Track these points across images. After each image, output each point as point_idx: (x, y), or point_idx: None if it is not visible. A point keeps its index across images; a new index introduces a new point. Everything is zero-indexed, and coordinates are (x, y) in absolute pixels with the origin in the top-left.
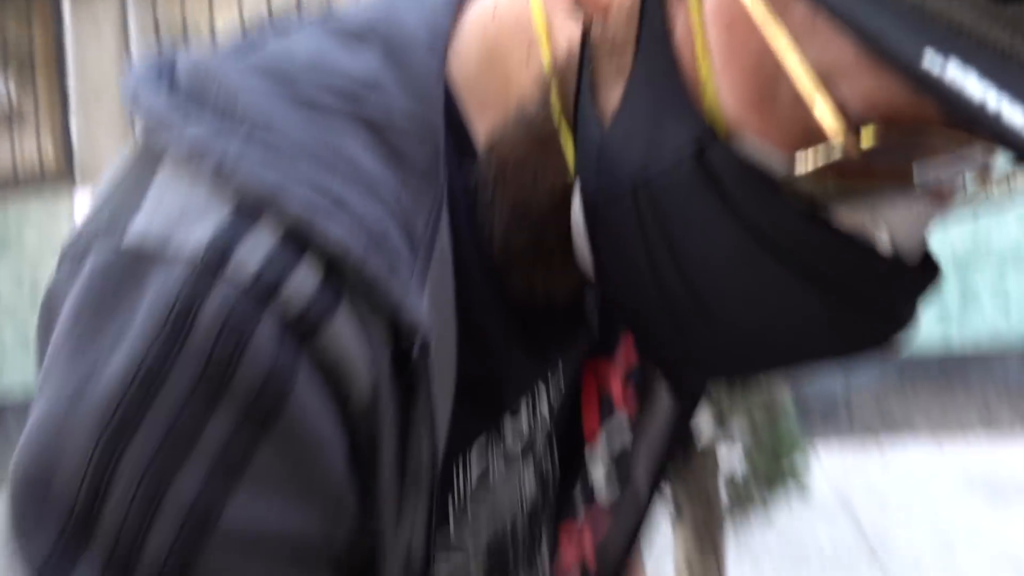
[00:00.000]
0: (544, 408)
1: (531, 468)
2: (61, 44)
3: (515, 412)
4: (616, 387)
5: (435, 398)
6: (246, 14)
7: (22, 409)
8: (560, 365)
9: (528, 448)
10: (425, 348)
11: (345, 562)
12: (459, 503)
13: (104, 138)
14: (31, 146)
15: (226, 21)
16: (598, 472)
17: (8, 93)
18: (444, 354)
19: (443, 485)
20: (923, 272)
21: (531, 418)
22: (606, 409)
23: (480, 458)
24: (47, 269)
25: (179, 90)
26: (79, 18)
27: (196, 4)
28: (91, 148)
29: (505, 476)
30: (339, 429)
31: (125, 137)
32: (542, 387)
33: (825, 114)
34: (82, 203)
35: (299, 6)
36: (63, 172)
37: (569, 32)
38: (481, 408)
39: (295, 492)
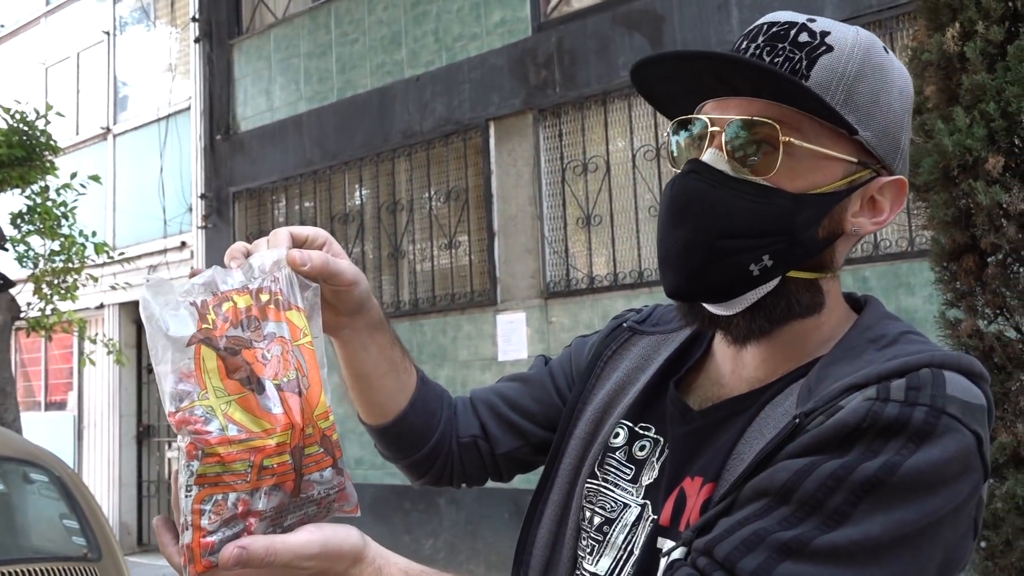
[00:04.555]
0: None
1: (635, 490)
2: (488, 180)
3: (643, 436)
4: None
5: (622, 360)
6: (636, 147)
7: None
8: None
9: (637, 476)
10: (630, 331)
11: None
12: (599, 460)
13: (517, 264)
14: (464, 270)
15: (618, 154)
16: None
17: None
18: (661, 352)
19: (592, 433)
20: None
21: (652, 456)
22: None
23: (622, 440)
24: (474, 378)
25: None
26: (501, 157)
27: (594, 143)
28: (509, 273)
29: (616, 472)
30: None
31: (534, 265)
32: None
33: None
34: (502, 323)
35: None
36: (488, 294)
37: None
38: (647, 407)
39: None
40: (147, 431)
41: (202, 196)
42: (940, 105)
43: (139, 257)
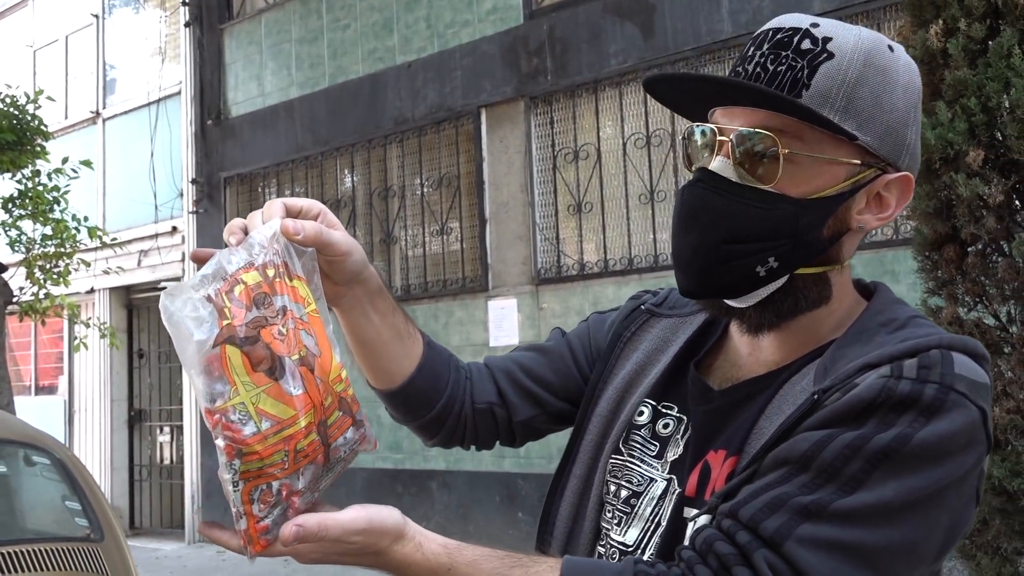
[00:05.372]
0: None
1: (661, 465)
2: (480, 167)
3: (666, 414)
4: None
5: (642, 341)
6: (626, 135)
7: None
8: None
9: (662, 452)
10: (648, 313)
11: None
12: (624, 436)
13: (508, 251)
14: (455, 256)
15: (608, 142)
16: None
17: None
18: (679, 335)
19: (614, 411)
20: None
21: (676, 434)
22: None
23: (646, 417)
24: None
25: None
26: (493, 144)
27: (585, 130)
28: (500, 260)
29: (641, 448)
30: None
31: (525, 251)
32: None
33: None
34: (494, 309)
35: (672, 126)
36: (479, 280)
37: None
38: (670, 387)
39: None
40: (138, 415)
41: (193, 181)
42: (923, 100)
43: (130, 242)
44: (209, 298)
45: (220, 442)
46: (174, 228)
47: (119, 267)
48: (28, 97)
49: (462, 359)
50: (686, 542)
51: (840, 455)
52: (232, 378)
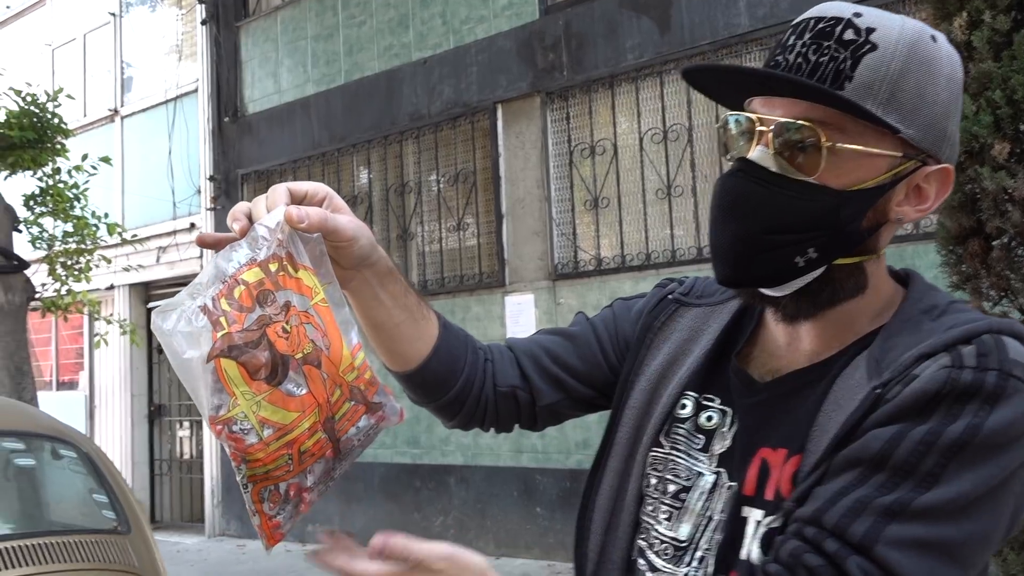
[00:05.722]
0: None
1: (707, 459)
2: (496, 163)
3: (709, 405)
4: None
5: (672, 331)
6: (643, 130)
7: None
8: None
9: (708, 445)
10: (676, 303)
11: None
12: (666, 429)
13: (525, 246)
14: (472, 252)
15: (625, 137)
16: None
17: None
18: (710, 324)
19: (648, 403)
20: None
21: (722, 427)
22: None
23: (688, 410)
24: None
25: None
26: (509, 140)
27: (601, 126)
28: (517, 255)
29: (686, 441)
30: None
31: (542, 247)
32: (736, 417)
33: None
34: (511, 304)
35: (689, 121)
36: (496, 275)
37: None
38: (710, 378)
39: None
40: (158, 410)
41: (211, 178)
42: None
43: (149, 239)
44: (204, 308)
45: (227, 449)
46: (192, 225)
47: (139, 264)
48: (48, 95)
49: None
50: (753, 546)
51: (914, 451)
52: (231, 389)
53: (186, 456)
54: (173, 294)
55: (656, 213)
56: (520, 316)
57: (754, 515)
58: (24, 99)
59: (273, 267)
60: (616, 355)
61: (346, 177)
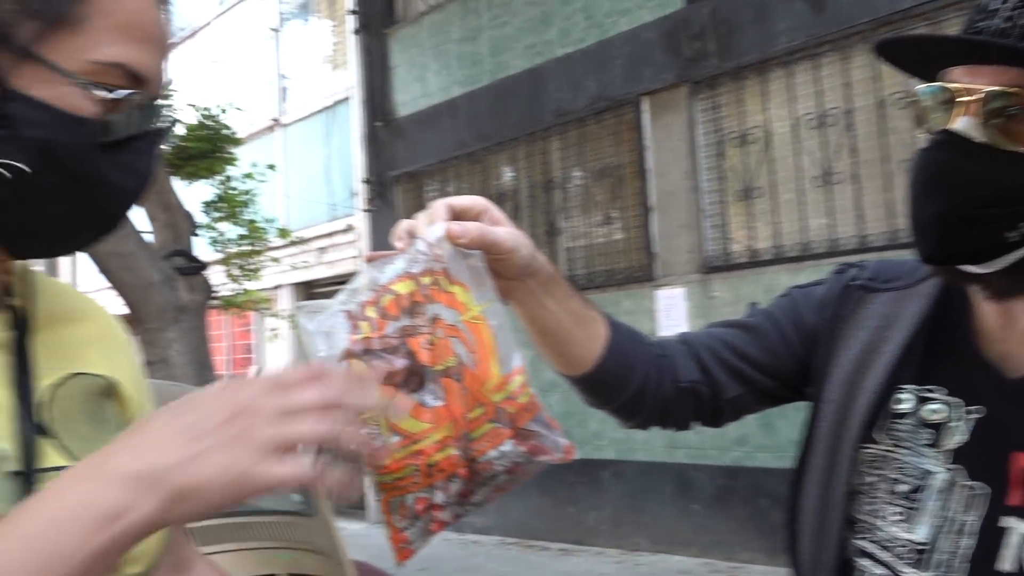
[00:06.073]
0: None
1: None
2: (642, 156)
3: (932, 398)
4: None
5: (863, 319)
6: (797, 116)
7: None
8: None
9: (937, 440)
10: (863, 289)
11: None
12: (883, 424)
13: (675, 239)
14: (619, 246)
15: (778, 124)
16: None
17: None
18: (905, 309)
19: (847, 396)
20: None
21: (955, 420)
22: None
23: (908, 404)
24: None
25: None
26: (656, 132)
27: (752, 113)
28: (666, 248)
29: (910, 438)
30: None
31: (692, 239)
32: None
33: None
34: (661, 299)
35: (848, 104)
36: (645, 269)
37: None
38: (925, 365)
39: None
40: None
41: (365, 181)
42: None
43: (309, 240)
44: (349, 312)
45: None
46: (349, 226)
47: (304, 262)
48: (221, 109)
49: None
50: (1015, 557)
51: None
52: None
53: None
54: (332, 292)
55: (813, 201)
56: (671, 310)
57: (1020, 527)
58: (200, 114)
59: (426, 280)
60: (801, 345)
61: (492, 175)
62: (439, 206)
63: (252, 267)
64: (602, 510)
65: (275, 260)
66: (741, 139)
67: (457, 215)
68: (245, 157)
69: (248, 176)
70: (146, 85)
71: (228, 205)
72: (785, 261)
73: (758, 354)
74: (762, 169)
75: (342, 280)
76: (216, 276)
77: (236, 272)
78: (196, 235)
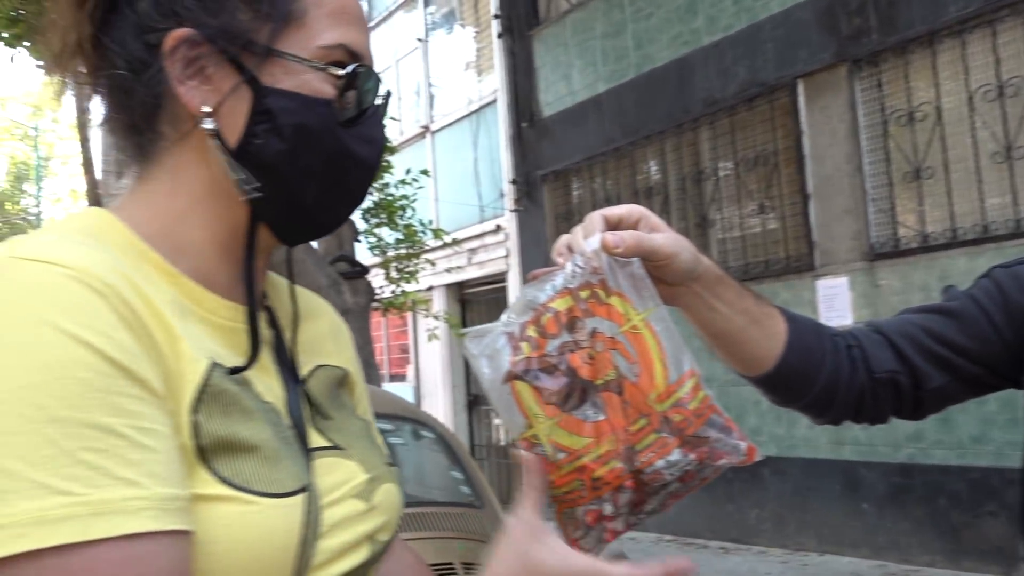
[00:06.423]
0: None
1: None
2: (799, 141)
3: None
4: None
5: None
6: (972, 89)
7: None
8: None
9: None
10: None
11: None
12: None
13: (836, 226)
14: (776, 235)
15: (950, 99)
16: None
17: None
18: None
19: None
20: None
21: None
22: None
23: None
24: None
25: None
26: (813, 116)
27: (920, 89)
28: (827, 236)
29: None
30: None
31: (856, 226)
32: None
33: None
34: (823, 289)
35: None
36: (804, 259)
37: None
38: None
39: None
40: (475, 400)
41: (512, 181)
42: None
43: (460, 241)
44: (511, 335)
45: None
46: (498, 227)
47: (457, 265)
48: None
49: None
50: None
51: None
52: (525, 411)
53: (502, 443)
54: (483, 292)
55: (993, 179)
56: (834, 301)
57: None
58: None
59: (584, 294)
60: (1012, 329)
61: (640, 170)
62: (594, 217)
63: (410, 270)
64: (763, 508)
65: (431, 263)
66: (908, 117)
67: (613, 225)
68: (401, 164)
69: (403, 182)
70: (364, 60)
71: (386, 211)
72: (961, 245)
73: (962, 340)
74: (932, 148)
75: (492, 281)
76: (376, 279)
77: (395, 275)
78: (358, 241)
